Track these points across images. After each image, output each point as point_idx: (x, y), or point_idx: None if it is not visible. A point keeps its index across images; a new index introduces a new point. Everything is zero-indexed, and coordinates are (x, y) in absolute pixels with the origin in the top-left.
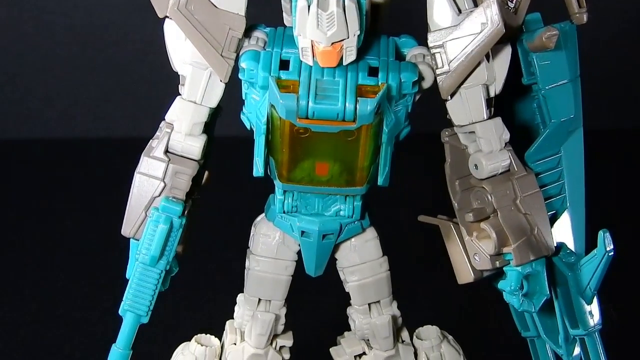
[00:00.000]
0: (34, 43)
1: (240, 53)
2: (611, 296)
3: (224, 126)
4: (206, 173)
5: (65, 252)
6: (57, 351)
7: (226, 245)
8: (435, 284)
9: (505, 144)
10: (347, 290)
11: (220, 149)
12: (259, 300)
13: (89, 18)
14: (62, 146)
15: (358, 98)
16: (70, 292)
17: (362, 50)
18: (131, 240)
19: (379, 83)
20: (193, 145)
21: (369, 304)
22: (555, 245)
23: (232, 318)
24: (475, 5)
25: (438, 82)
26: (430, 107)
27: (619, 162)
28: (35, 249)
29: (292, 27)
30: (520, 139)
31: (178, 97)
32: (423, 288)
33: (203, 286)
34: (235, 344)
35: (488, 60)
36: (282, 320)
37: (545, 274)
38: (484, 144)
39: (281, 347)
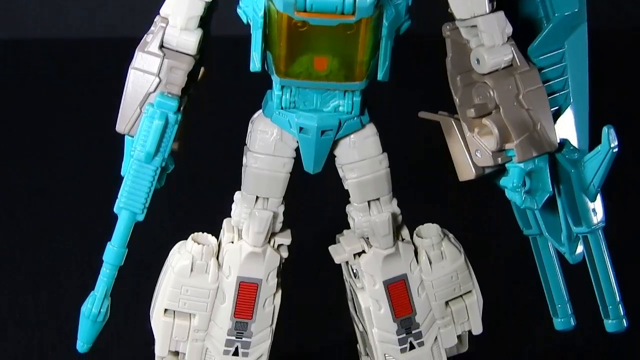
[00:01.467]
0: None
1: None
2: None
3: (220, 25)
4: (202, 69)
5: (60, 151)
6: (54, 251)
7: (223, 142)
8: (436, 181)
9: (508, 38)
10: (346, 187)
11: (216, 48)
12: (257, 197)
13: None
14: (57, 46)
15: None
16: (68, 191)
17: None
18: (126, 137)
19: None
20: (188, 40)
21: (369, 202)
22: (558, 141)
23: (230, 216)
24: None
25: None
26: (431, 4)
27: (623, 60)
28: (31, 146)
29: None
30: (523, 34)
31: None
32: (423, 185)
33: (200, 184)
34: (232, 243)
35: None
36: (280, 218)
37: (548, 170)
38: (486, 38)
39: (279, 246)
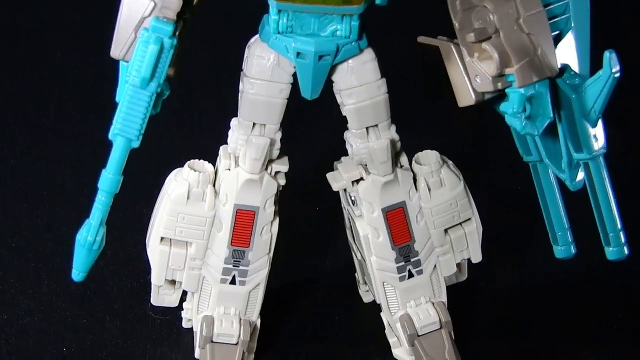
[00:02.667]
0: None
1: None
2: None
3: None
4: None
5: (53, 75)
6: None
7: (219, 67)
8: (435, 107)
9: None
10: (344, 114)
11: None
12: (254, 124)
13: None
14: None
15: None
16: (59, 117)
17: None
18: (121, 62)
19: None
20: None
21: (367, 128)
22: (559, 66)
23: (226, 143)
24: None
25: None
26: None
27: None
28: (24, 74)
29: None
30: None
31: None
32: (422, 112)
33: (196, 110)
34: (229, 170)
35: None
36: (277, 144)
37: (548, 95)
38: None
39: (276, 173)
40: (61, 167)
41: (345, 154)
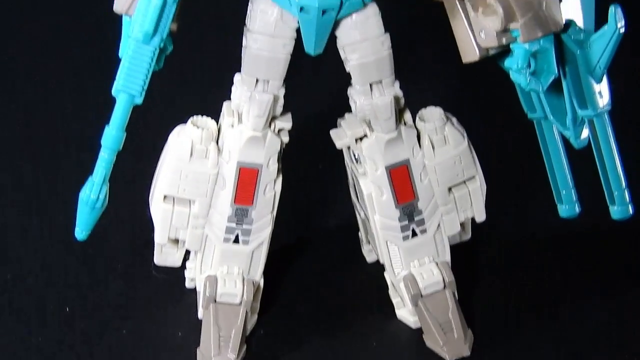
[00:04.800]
0: None
1: None
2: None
3: None
4: None
5: (58, 35)
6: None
7: (222, 23)
8: (439, 63)
9: None
10: (347, 69)
11: None
12: (257, 80)
13: None
14: None
15: None
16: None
17: None
18: (124, 17)
19: None
20: None
21: (371, 84)
22: (563, 21)
23: (229, 99)
24: None
25: None
26: None
27: None
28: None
29: None
30: None
31: None
32: (427, 68)
33: (199, 66)
34: (232, 126)
35: None
36: (281, 101)
37: (553, 51)
38: None
39: (280, 130)
40: (65, 122)
41: (349, 110)
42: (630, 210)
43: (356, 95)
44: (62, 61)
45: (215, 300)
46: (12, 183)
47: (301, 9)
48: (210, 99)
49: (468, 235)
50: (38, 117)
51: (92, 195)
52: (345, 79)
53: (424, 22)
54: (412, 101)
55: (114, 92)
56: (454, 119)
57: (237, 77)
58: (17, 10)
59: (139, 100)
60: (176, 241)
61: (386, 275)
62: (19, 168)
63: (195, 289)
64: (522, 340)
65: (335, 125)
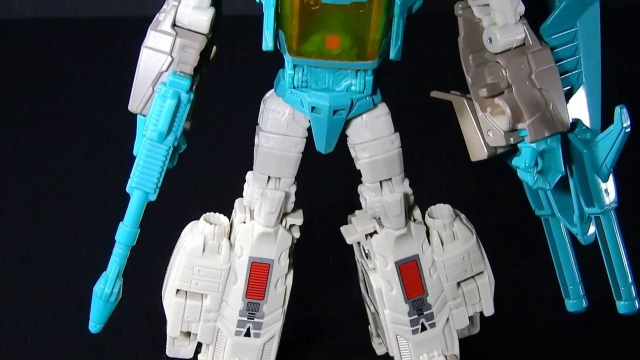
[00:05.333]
0: None
1: None
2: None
3: (231, 4)
4: (214, 48)
5: (73, 130)
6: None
7: (235, 121)
8: (448, 161)
9: (520, 17)
10: (358, 167)
11: (228, 27)
12: (269, 177)
13: None
14: (66, 25)
15: None
16: (79, 172)
17: None
18: (138, 116)
19: None
20: (201, 18)
21: (380, 182)
22: (570, 121)
23: (241, 196)
24: None
25: None
26: None
27: (636, 40)
28: (44, 126)
29: None
30: (535, 12)
31: None
32: (435, 166)
33: (212, 164)
34: (244, 223)
35: None
36: (292, 198)
37: (560, 150)
38: (498, 17)
39: (291, 226)
40: (78, 219)
41: (359, 207)
42: (637, 305)
43: (366, 192)
44: (77, 158)
45: None
46: (27, 272)
47: (313, 108)
48: (222, 196)
49: (477, 329)
50: (49, 210)
51: (106, 289)
52: (355, 176)
53: (433, 121)
54: (421, 198)
55: (128, 189)
56: (463, 216)
57: (249, 175)
58: (34, 107)
59: (152, 197)
60: (188, 334)
61: None
62: (34, 259)
63: None
64: None
65: (345, 222)
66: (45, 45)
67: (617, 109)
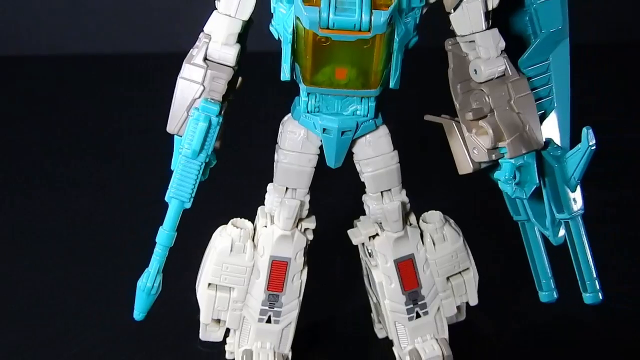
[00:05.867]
0: None
1: None
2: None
3: (254, 41)
4: (240, 78)
5: (119, 150)
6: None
7: (258, 140)
8: (439, 174)
9: (501, 51)
10: (362, 180)
11: (252, 60)
12: (287, 188)
13: None
14: (106, 62)
15: (373, 10)
16: (127, 187)
17: None
18: (175, 136)
19: None
20: (228, 53)
21: (382, 192)
22: (544, 140)
23: (263, 204)
24: None
25: None
26: (435, 23)
27: (601, 72)
28: (91, 153)
29: None
30: (514, 47)
31: (215, 11)
32: (428, 178)
33: (238, 176)
34: (265, 227)
35: None
36: (306, 206)
37: (535, 165)
38: (482, 52)
39: (305, 229)
40: (125, 226)
41: (363, 213)
42: (600, 297)
43: (369, 201)
44: (125, 174)
45: None
46: (80, 270)
47: (324, 130)
48: (247, 204)
49: (463, 316)
50: (103, 217)
51: (148, 283)
52: (360, 187)
53: (427, 140)
54: (416, 205)
55: (167, 198)
56: (452, 221)
57: (270, 186)
58: (93, 127)
59: (188, 205)
60: (218, 321)
61: (394, 349)
62: (88, 259)
63: None
64: None
65: (352, 226)
66: (96, 79)
67: (585, 129)
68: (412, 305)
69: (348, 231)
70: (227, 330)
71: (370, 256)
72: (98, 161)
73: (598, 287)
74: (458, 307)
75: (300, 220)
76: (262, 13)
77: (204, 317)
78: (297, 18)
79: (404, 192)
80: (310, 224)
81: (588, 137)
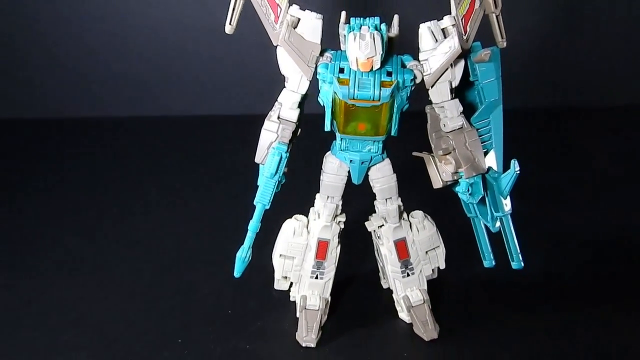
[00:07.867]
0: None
1: (318, 64)
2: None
3: (309, 106)
4: (299, 129)
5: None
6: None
7: (311, 167)
8: (421, 188)
9: (460, 113)
10: (374, 191)
11: (307, 119)
12: (327, 197)
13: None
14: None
15: (381, 88)
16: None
17: (383, 62)
18: (260, 165)
19: (392, 80)
20: (293, 114)
21: (386, 199)
22: (486, 167)
23: (313, 206)
24: (445, 37)
25: (425, 79)
26: (421, 95)
27: (524, 125)
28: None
29: (345, 49)
30: (468, 110)
31: (284, 88)
32: (413, 190)
33: (298, 189)
34: (315, 220)
35: (452, 67)
36: (340, 207)
37: (481, 182)
38: (448, 113)
39: (339, 222)
40: (229, 219)
41: (374, 212)
42: (522, 264)
43: (378, 204)
44: (225, 188)
45: (305, 308)
46: (196, 249)
47: (351, 161)
48: (304, 205)
49: (435, 275)
50: (209, 217)
51: (243, 254)
52: (372, 196)
53: (414, 168)
54: (406, 207)
55: (255, 202)
56: (429, 217)
57: (317, 196)
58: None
59: (267, 207)
60: (285, 277)
61: (394, 295)
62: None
63: (295, 301)
64: (476, 329)
65: (367, 220)
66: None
67: (512, 161)
68: (404, 269)
69: (365, 223)
70: (291, 284)
71: (378, 238)
72: (202, 186)
73: (520, 258)
74: (433, 270)
75: (336, 216)
76: (313, 90)
77: (277, 275)
78: (335, 92)
79: (399, 199)
80: (342, 218)
81: (514, 166)
